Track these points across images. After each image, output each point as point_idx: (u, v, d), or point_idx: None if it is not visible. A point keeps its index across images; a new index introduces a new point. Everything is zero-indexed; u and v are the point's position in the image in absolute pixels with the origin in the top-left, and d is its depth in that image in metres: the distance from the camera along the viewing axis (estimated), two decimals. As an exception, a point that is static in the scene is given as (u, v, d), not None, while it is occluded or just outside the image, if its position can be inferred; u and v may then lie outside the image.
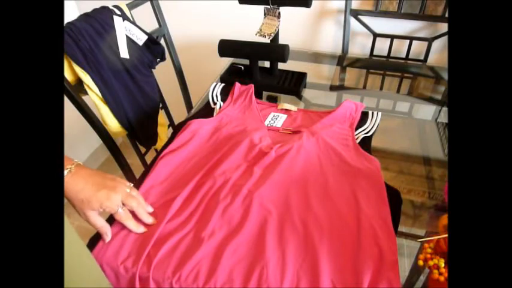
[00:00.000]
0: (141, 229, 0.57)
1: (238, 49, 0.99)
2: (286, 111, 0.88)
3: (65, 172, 0.53)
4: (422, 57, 1.28)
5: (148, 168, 0.73)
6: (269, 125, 0.83)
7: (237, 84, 0.93)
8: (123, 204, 0.56)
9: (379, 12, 1.25)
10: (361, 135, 0.79)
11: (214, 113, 0.88)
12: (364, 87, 1.10)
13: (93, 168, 0.57)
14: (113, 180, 0.57)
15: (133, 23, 0.97)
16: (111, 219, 0.61)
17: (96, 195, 0.53)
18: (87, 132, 1.00)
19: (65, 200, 0.48)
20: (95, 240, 0.57)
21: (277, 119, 0.85)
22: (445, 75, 1.15)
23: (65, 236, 0.33)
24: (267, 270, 0.51)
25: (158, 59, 1.05)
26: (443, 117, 0.93)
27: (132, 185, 0.60)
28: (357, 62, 1.27)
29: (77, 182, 0.53)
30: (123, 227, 0.59)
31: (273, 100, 1.00)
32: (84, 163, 0.56)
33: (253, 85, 0.93)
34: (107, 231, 0.55)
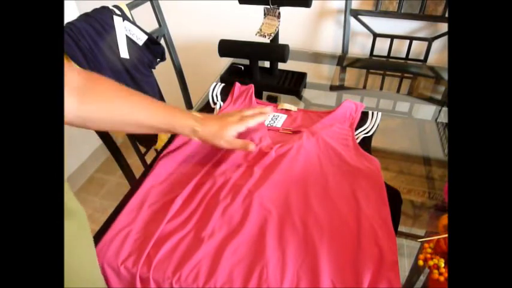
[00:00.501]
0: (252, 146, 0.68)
1: (238, 49, 0.99)
2: (286, 111, 0.88)
3: (199, 128, 0.65)
4: (422, 57, 1.28)
5: (148, 168, 0.73)
6: (269, 125, 0.83)
7: (237, 84, 0.93)
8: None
9: (379, 12, 1.25)
10: (361, 135, 0.79)
11: (214, 113, 0.88)
12: (364, 87, 1.10)
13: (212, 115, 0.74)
14: (224, 114, 0.72)
15: (134, 23, 0.97)
16: (114, 217, 0.61)
17: (227, 120, 0.69)
18: (87, 132, 1.00)
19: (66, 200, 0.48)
20: (95, 240, 0.57)
21: (277, 119, 0.85)
22: (445, 75, 1.15)
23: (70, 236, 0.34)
24: (267, 270, 0.51)
25: (158, 59, 1.05)
26: (443, 117, 0.93)
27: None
28: (357, 62, 1.27)
29: (208, 122, 0.67)
30: (124, 226, 0.59)
31: (273, 100, 1.00)
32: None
33: (253, 85, 0.93)
34: (247, 144, 0.67)
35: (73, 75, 0.52)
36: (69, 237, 0.38)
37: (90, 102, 0.54)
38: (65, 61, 0.51)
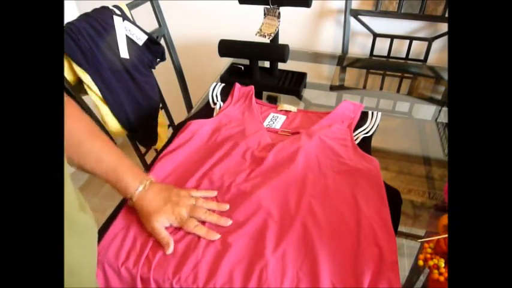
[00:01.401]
0: (214, 236, 0.56)
1: (238, 49, 0.99)
2: (286, 112, 0.88)
3: (140, 188, 0.58)
4: (422, 57, 1.28)
5: (148, 168, 0.73)
6: (268, 126, 0.83)
7: (237, 85, 0.93)
8: (191, 216, 0.58)
9: (379, 12, 1.25)
10: (361, 135, 0.79)
11: (214, 113, 0.88)
12: (364, 87, 1.10)
13: (163, 184, 0.63)
14: (177, 195, 0.60)
15: (133, 23, 0.97)
16: (113, 217, 0.61)
17: (163, 209, 0.57)
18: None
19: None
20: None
21: (276, 120, 0.85)
22: (445, 75, 1.15)
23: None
24: (266, 271, 0.51)
25: (158, 59, 1.05)
26: (443, 117, 0.93)
27: (198, 195, 0.62)
28: (357, 62, 1.27)
29: (148, 197, 0.58)
30: (123, 226, 0.59)
31: (273, 100, 1.00)
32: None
33: (253, 86, 0.93)
34: (169, 242, 0.55)
35: None
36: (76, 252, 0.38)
37: None
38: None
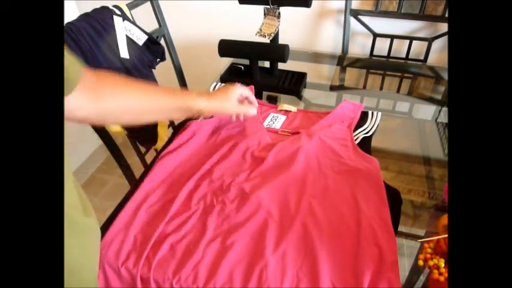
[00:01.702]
0: (254, 110, 0.75)
1: (238, 49, 0.99)
2: (286, 112, 0.88)
3: (204, 103, 0.67)
4: (422, 57, 1.28)
5: (148, 168, 0.73)
6: (268, 126, 0.83)
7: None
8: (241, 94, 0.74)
9: (379, 12, 1.25)
10: (361, 135, 0.79)
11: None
12: (364, 87, 1.10)
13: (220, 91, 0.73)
14: (223, 88, 0.74)
15: (133, 23, 0.97)
16: (113, 217, 0.61)
17: (224, 99, 0.71)
18: (87, 132, 1.00)
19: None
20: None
21: (276, 120, 0.85)
22: (445, 75, 1.15)
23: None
24: (266, 271, 0.51)
25: (158, 59, 1.05)
26: (443, 117, 0.93)
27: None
28: (357, 62, 1.27)
29: (211, 100, 0.69)
30: (123, 226, 0.59)
31: (273, 100, 1.00)
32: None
33: (253, 86, 0.93)
34: (247, 109, 0.74)
35: (87, 77, 0.53)
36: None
37: (105, 98, 0.56)
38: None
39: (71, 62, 0.48)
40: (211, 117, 0.83)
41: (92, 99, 0.53)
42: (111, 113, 0.58)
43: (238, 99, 0.74)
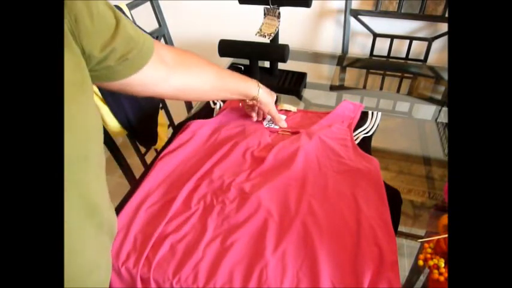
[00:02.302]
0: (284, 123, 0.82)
1: (238, 49, 0.99)
2: (286, 111, 0.88)
3: (260, 90, 0.75)
4: (422, 57, 1.28)
5: (148, 168, 0.73)
6: (268, 126, 0.83)
7: None
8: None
9: (379, 12, 1.25)
10: (361, 135, 0.79)
11: (214, 113, 0.88)
12: (364, 87, 1.10)
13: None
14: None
15: (133, 23, 0.97)
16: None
17: (270, 96, 0.79)
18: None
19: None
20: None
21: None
22: (445, 75, 1.15)
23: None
24: (266, 271, 0.51)
25: (158, 59, 1.05)
26: (443, 117, 0.93)
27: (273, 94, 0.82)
28: (357, 62, 1.27)
29: (264, 94, 0.76)
30: (123, 226, 0.59)
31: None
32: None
33: None
34: (281, 117, 0.82)
35: (164, 51, 0.56)
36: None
37: (182, 72, 0.60)
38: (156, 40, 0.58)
39: (140, 34, 0.48)
40: (224, 102, 0.89)
41: (169, 73, 0.56)
42: (184, 89, 0.62)
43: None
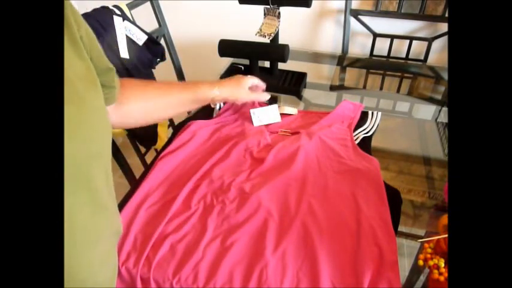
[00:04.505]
0: (266, 95, 0.81)
1: (238, 49, 0.99)
2: (287, 115, 0.87)
3: (217, 91, 0.72)
4: (422, 57, 1.28)
5: (148, 168, 0.73)
6: (258, 125, 0.82)
7: None
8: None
9: (379, 12, 1.25)
10: (361, 135, 0.79)
11: (214, 113, 0.88)
12: (364, 87, 1.10)
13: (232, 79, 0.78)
14: (236, 77, 0.78)
15: (133, 23, 0.97)
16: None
17: (236, 88, 0.76)
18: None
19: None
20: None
21: (271, 113, 0.84)
22: (445, 75, 1.15)
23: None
24: (266, 271, 0.51)
25: (158, 59, 1.05)
26: (443, 117, 0.93)
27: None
28: (357, 62, 1.27)
29: (223, 88, 0.73)
30: (123, 227, 0.59)
31: (273, 100, 1.00)
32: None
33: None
34: (260, 95, 0.80)
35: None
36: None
37: (126, 102, 0.59)
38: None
39: (112, 73, 0.53)
40: (225, 103, 0.89)
41: (115, 106, 0.56)
42: (131, 117, 0.62)
43: (251, 88, 0.78)
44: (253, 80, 0.78)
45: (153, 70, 1.06)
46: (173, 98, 0.68)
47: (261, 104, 0.90)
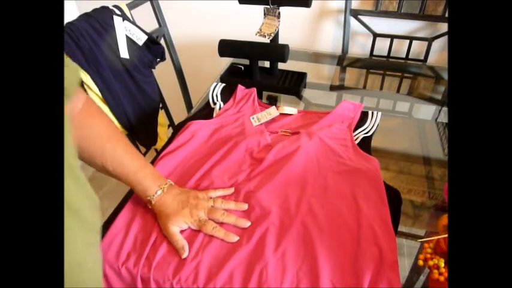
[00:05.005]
0: (233, 237, 0.56)
1: (238, 49, 0.99)
2: (286, 115, 0.87)
3: (159, 191, 0.59)
4: (422, 57, 1.28)
5: (148, 168, 0.73)
6: (257, 124, 0.82)
7: (240, 87, 0.93)
8: (210, 219, 0.59)
9: (379, 12, 1.25)
10: (361, 135, 0.79)
11: (214, 113, 0.88)
12: (364, 87, 1.10)
13: (182, 188, 0.63)
14: (195, 198, 0.60)
15: (133, 23, 0.97)
16: (113, 217, 0.61)
17: (181, 212, 0.58)
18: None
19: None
20: (95, 240, 0.57)
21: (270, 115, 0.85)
22: (445, 75, 1.15)
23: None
24: (266, 271, 0.51)
25: (158, 59, 1.05)
26: (443, 117, 0.93)
27: (216, 195, 0.63)
28: (357, 62, 1.27)
29: (166, 200, 0.59)
30: (124, 226, 0.59)
31: (273, 100, 1.00)
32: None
33: (255, 88, 0.92)
34: (183, 246, 0.55)
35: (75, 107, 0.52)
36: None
37: (84, 126, 0.55)
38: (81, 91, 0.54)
39: (71, 73, 0.48)
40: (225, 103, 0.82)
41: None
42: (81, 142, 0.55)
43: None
44: (192, 226, 0.58)
45: (153, 70, 1.06)
46: (124, 165, 0.58)
47: (261, 105, 0.90)
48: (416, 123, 0.94)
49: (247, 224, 0.58)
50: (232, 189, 0.65)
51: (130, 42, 0.95)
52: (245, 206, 0.61)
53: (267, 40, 0.97)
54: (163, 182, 0.61)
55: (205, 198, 0.61)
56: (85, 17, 0.87)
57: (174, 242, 0.56)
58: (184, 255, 0.54)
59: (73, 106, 0.51)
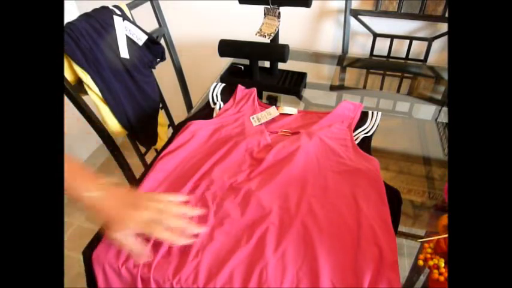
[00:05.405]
0: (181, 240, 0.52)
1: (238, 49, 0.99)
2: (286, 115, 0.87)
3: (94, 193, 0.52)
4: (422, 57, 1.28)
5: (148, 168, 0.73)
6: (256, 124, 0.82)
7: (240, 87, 0.93)
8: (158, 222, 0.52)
9: (379, 12, 1.25)
10: (361, 135, 0.79)
11: (214, 113, 0.88)
12: (364, 87, 1.10)
13: (127, 188, 0.56)
14: (137, 197, 0.55)
15: (134, 23, 0.97)
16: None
17: (122, 215, 0.52)
18: (87, 132, 1.00)
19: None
20: (95, 241, 0.57)
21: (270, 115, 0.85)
22: (445, 75, 1.15)
23: None
24: (266, 271, 0.51)
25: (158, 59, 1.05)
26: (443, 117, 0.93)
27: (173, 199, 0.58)
28: (357, 62, 1.27)
29: (104, 202, 0.52)
30: (123, 227, 0.59)
31: (273, 100, 1.00)
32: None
33: (255, 89, 0.92)
34: (140, 252, 0.51)
35: None
36: None
37: None
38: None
39: None
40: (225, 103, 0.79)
41: None
42: None
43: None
44: (143, 230, 0.52)
45: (153, 70, 1.07)
46: None
47: (261, 105, 0.90)
48: (416, 123, 0.94)
49: (200, 229, 0.55)
50: (184, 197, 0.60)
51: (131, 42, 0.95)
52: (198, 212, 0.58)
53: (267, 40, 0.97)
54: (96, 181, 0.54)
55: (150, 199, 0.55)
56: (85, 17, 0.87)
57: (129, 249, 0.51)
58: (143, 261, 0.51)
59: None
